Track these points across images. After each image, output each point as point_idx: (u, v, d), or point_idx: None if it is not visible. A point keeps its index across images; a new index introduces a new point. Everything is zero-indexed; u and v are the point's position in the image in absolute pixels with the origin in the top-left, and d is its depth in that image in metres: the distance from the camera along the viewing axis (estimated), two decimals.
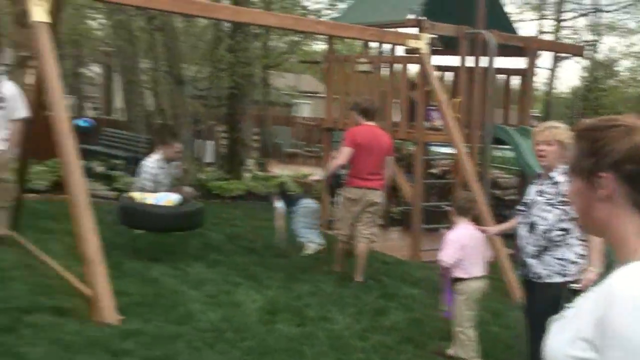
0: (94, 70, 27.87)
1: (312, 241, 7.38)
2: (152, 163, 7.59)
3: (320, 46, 19.98)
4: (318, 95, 25.99)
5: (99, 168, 11.84)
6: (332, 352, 4.65)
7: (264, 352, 4.50)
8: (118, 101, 19.34)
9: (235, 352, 4.44)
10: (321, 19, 13.65)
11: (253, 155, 15.70)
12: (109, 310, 4.79)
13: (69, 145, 5.36)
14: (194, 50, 14.28)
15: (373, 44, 10.42)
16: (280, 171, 13.90)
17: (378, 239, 7.26)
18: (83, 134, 13.09)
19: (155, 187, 7.44)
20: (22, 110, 6.40)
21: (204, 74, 13.26)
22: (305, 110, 29.96)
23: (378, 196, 6.75)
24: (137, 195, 6.71)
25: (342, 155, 6.60)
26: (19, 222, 6.97)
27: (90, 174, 11.55)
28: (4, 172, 6.41)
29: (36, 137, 10.15)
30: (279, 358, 4.42)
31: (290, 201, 7.22)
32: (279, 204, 7.29)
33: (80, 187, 5.26)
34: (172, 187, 7.71)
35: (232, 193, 10.81)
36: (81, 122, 13.34)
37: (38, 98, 6.52)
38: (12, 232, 6.68)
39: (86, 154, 12.27)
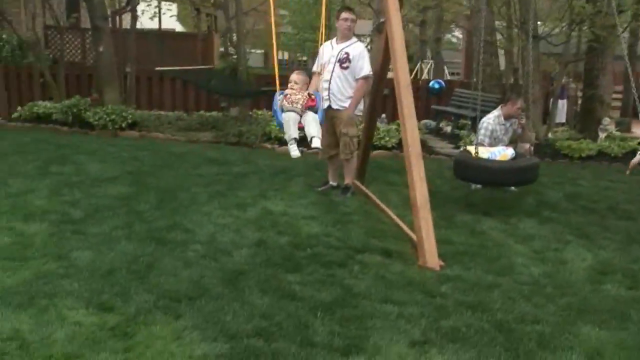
0: (456, 35, 28.55)
1: None
2: (491, 119, 7.64)
3: None
4: None
5: (447, 127, 12.20)
6: None
7: (583, 309, 4.25)
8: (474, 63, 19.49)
9: (552, 306, 4.29)
10: None
11: (612, 115, 14.51)
12: (431, 256, 5.01)
13: (406, 103, 5.66)
14: (552, 3, 13.62)
15: None
16: None
17: None
18: (435, 95, 13.62)
19: (492, 143, 7.47)
20: (365, 69, 6.88)
21: (560, 29, 12.61)
22: None
23: None
24: (472, 150, 6.79)
25: None
26: (365, 174, 7.63)
27: (438, 133, 12.03)
28: (349, 127, 6.91)
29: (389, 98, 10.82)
30: (599, 318, 4.13)
31: None
32: None
33: (413, 140, 5.53)
34: (510, 144, 7.64)
35: (581, 153, 10.20)
36: (434, 84, 13.81)
37: (385, 60, 6.94)
38: (358, 182, 7.32)
39: (437, 114, 12.76)
